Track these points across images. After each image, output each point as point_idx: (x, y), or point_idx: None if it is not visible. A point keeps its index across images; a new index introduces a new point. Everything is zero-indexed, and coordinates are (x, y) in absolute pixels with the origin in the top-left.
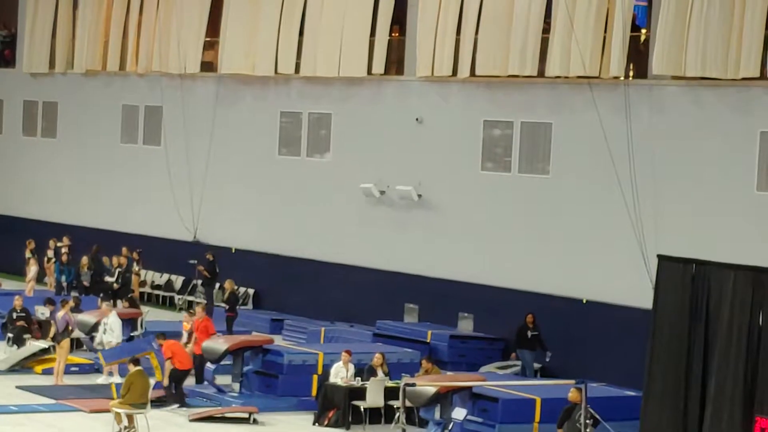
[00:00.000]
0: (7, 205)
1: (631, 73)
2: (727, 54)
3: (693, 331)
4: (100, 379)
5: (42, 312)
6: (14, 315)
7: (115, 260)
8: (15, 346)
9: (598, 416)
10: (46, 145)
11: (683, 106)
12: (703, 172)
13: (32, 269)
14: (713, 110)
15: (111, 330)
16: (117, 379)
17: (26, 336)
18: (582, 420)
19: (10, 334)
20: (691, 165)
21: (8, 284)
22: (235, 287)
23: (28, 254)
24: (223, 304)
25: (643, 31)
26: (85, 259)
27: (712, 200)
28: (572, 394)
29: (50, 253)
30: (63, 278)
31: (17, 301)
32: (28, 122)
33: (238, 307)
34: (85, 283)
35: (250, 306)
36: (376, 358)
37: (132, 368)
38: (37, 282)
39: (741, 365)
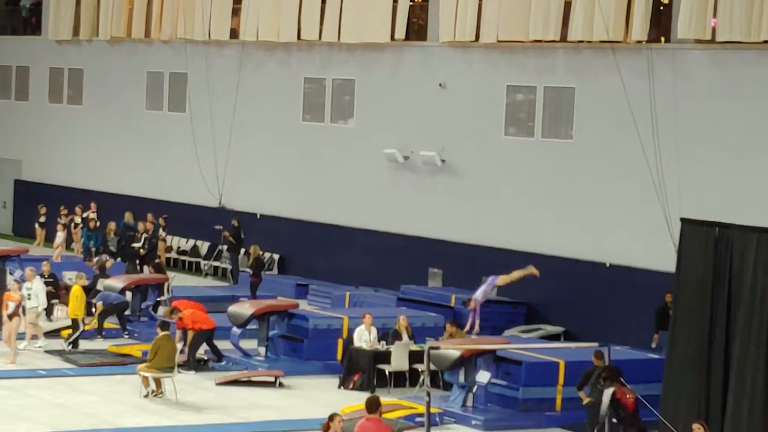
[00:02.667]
0: (33, 172)
1: (654, 38)
2: (750, 17)
3: (716, 294)
4: (22, 345)
5: (69, 278)
6: (42, 280)
7: (141, 226)
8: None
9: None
10: (72, 112)
11: (706, 70)
12: (726, 136)
13: (59, 235)
14: (736, 74)
15: (36, 296)
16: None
17: (54, 301)
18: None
19: None
20: (714, 128)
21: (35, 250)
22: (260, 253)
23: (42, 219)
24: (248, 270)
25: None
26: (111, 225)
27: (735, 163)
28: (596, 358)
29: (77, 219)
30: (91, 244)
31: (45, 267)
32: (54, 89)
33: (263, 272)
34: (112, 249)
35: (275, 271)
36: (402, 320)
37: (159, 332)
38: (66, 248)
39: (764, 328)
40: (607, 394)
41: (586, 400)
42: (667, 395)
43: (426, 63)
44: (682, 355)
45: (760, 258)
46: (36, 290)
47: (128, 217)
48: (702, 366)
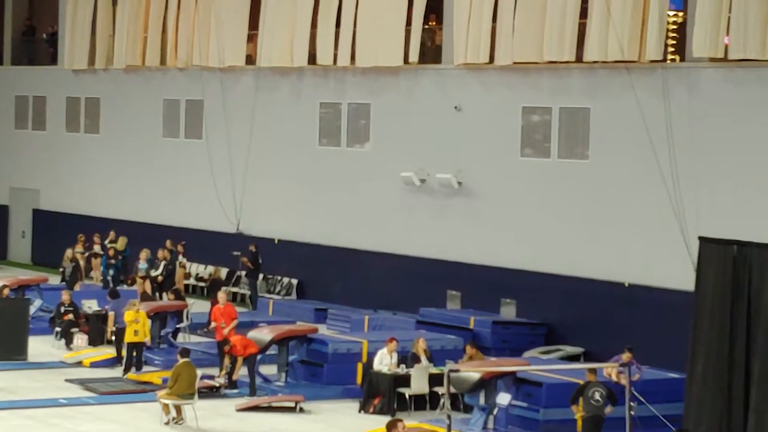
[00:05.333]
0: (52, 201)
1: (669, 57)
2: (764, 35)
3: (735, 312)
4: None
5: (89, 306)
6: (62, 309)
7: (160, 253)
8: (63, 340)
9: (615, 395)
10: (89, 141)
11: (721, 88)
12: (743, 154)
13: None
14: (751, 91)
15: None
16: None
17: (73, 330)
18: (626, 403)
19: (58, 328)
20: (731, 147)
21: (54, 279)
22: (219, 275)
23: (78, 249)
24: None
25: (680, 13)
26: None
27: (752, 181)
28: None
29: (96, 248)
30: (110, 272)
31: (65, 296)
32: (71, 119)
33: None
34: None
35: (293, 296)
36: (420, 342)
37: (179, 359)
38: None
39: None
40: None
41: (578, 414)
42: (688, 414)
43: (441, 86)
44: (702, 373)
45: None
46: None
47: (121, 242)
48: (723, 385)
